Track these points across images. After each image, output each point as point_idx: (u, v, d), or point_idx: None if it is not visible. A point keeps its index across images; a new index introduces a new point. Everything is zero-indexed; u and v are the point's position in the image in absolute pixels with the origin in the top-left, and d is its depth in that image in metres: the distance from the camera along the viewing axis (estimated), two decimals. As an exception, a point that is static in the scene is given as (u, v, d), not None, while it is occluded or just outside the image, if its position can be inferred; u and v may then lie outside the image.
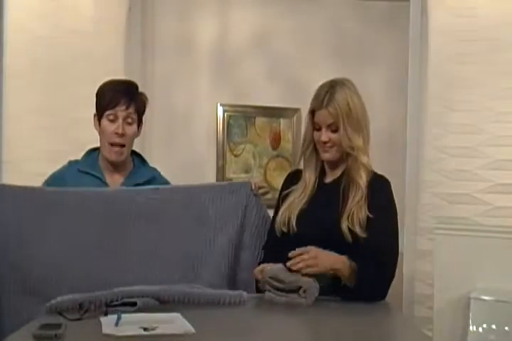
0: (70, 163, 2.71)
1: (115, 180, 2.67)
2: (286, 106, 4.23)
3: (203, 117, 4.21)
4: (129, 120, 2.62)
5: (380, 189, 2.35)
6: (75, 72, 3.63)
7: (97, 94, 2.66)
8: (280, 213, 2.40)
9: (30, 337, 1.70)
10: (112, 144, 2.62)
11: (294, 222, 2.35)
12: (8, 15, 3.49)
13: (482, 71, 3.19)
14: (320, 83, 2.42)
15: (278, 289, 2.20)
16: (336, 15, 4.25)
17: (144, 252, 2.42)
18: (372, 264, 2.21)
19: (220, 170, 4.18)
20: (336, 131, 2.34)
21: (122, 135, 2.60)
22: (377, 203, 2.30)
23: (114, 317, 1.85)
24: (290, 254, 2.19)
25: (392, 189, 2.40)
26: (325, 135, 2.35)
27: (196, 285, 2.26)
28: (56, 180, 2.64)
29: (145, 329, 1.78)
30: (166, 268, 2.41)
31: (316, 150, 2.42)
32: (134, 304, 1.98)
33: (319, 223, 2.31)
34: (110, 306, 1.97)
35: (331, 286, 2.21)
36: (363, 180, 2.33)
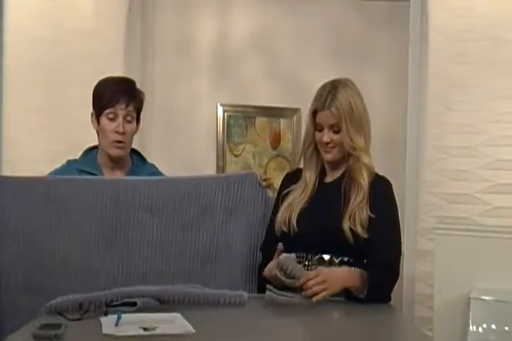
0: (69, 162, 2.72)
1: None
2: (286, 106, 4.23)
3: (203, 117, 4.21)
4: (129, 118, 2.63)
5: (381, 190, 2.35)
6: (75, 72, 3.63)
7: (94, 93, 2.66)
8: (280, 213, 2.39)
9: (30, 337, 1.70)
10: (112, 142, 2.62)
11: (294, 222, 2.34)
12: (8, 15, 3.49)
13: (482, 71, 3.19)
14: (320, 83, 2.42)
15: (280, 288, 2.20)
16: (336, 15, 4.25)
17: (149, 245, 2.42)
18: (380, 270, 2.22)
19: (220, 170, 4.17)
20: (338, 131, 2.34)
21: (123, 133, 2.61)
22: (379, 204, 2.30)
23: (114, 317, 1.85)
24: (301, 282, 2.16)
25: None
26: (327, 136, 2.35)
27: (196, 285, 2.26)
28: None
29: (145, 329, 1.78)
30: (171, 261, 2.42)
31: (316, 150, 2.42)
32: (134, 304, 1.98)
33: (320, 223, 2.31)
34: (110, 306, 1.97)
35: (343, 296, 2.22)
36: (365, 180, 2.33)
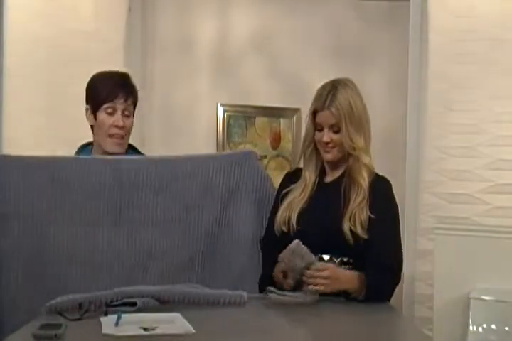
0: None
1: None
2: (286, 106, 4.23)
3: (203, 117, 4.21)
4: (127, 112, 2.63)
5: (381, 190, 2.35)
6: (75, 72, 3.62)
7: (90, 87, 2.66)
8: (280, 212, 2.39)
9: (30, 337, 1.70)
10: (111, 135, 2.61)
11: (294, 222, 2.34)
12: (8, 15, 3.48)
13: (482, 71, 3.19)
14: (320, 83, 2.42)
15: (279, 288, 2.21)
16: (336, 15, 4.25)
17: (153, 224, 2.43)
18: (379, 272, 2.22)
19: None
20: (337, 131, 2.34)
21: (122, 127, 2.61)
22: (379, 204, 2.30)
23: (114, 317, 1.85)
24: (310, 271, 2.20)
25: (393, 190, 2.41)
26: (327, 135, 2.35)
27: (196, 285, 2.27)
28: None
29: (145, 329, 1.78)
30: (175, 240, 2.43)
31: (316, 150, 2.42)
32: (134, 304, 1.98)
33: (320, 223, 2.31)
34: (110, 306, 1.97)
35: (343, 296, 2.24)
36: (364, 180, 2.33)
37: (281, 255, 2.26)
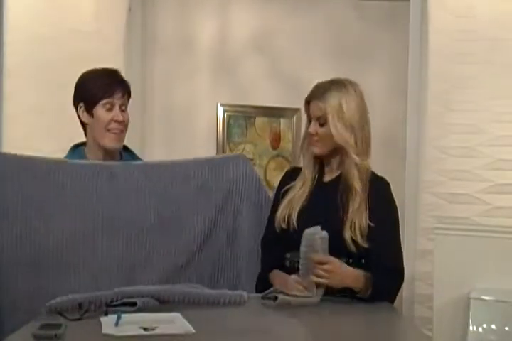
0: None
1: None
2: (286, 106, 4.23)
3: (202, 117, 4.21)
4: (123, 107, 2.64)
5: (380, 191, 2.35)
6: (75, 71, 3.62)
7: (83, 85, 2.65)
8: (280, 210, 2.39)
9: (30, 337, 1.70)
10: (110, 130, 2.61)
11: (294, 220, 2.34)
12: (9, 14, 3.49)
13: (482, 71, 3.19)
14: (320, 83, 2.43)
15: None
16: (336, 15, 4.25)
17: (148, 228, 2.42)
18: (385, 272, 2.23)
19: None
20: (323, 124, 2.34)
21: (122, 122, 2.61)
22: (378, 206, 2.30)
23: (114, 317, 1.85)
24: (317, 259, 2.19)
25: (392, 190, 2.40)
26: (313, 127, 2.36)
27: (196, 285, 2.27)
28: None
29: (145, 329, 1.78)
30: (173, 243, 2.43)
31: None
32: (134, 304, 1.98)
33: (320, 222, 2.29)
34: (110, 306, 1.97)
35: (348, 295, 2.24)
36: (358, 183, 2.31)
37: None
